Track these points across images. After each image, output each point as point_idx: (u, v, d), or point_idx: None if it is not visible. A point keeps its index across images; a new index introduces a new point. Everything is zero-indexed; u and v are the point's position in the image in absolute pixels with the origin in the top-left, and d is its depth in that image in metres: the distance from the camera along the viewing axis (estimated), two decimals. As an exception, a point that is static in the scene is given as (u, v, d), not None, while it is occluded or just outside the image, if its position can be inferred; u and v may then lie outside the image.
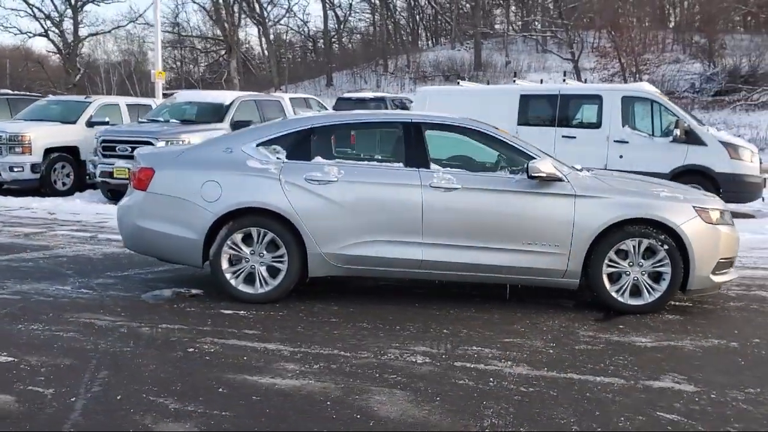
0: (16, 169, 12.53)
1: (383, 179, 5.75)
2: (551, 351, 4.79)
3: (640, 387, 4.17)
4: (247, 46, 50.89)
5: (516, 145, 5.93)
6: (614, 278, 5.70)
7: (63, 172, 13.09)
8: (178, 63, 51.80)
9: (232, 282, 5.81)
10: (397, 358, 4.58)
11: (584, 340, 5.06)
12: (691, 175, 10.97)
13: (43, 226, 9.76)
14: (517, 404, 3.88)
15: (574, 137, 11.87)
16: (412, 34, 50.14)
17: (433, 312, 5.68)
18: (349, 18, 50.72)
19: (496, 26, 46.04)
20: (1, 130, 12.72)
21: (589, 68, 34.70)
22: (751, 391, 4.13)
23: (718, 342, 5.08)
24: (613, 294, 5.69)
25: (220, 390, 4.01)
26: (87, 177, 13.09)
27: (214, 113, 12.57)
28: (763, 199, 11.83)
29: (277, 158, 5.87)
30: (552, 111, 12.17)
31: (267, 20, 45.28)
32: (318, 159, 5.86)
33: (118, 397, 3.88)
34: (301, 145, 5.94)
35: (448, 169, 5.81)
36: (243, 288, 5.81)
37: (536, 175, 5.58)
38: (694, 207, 5.70)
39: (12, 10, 68.60)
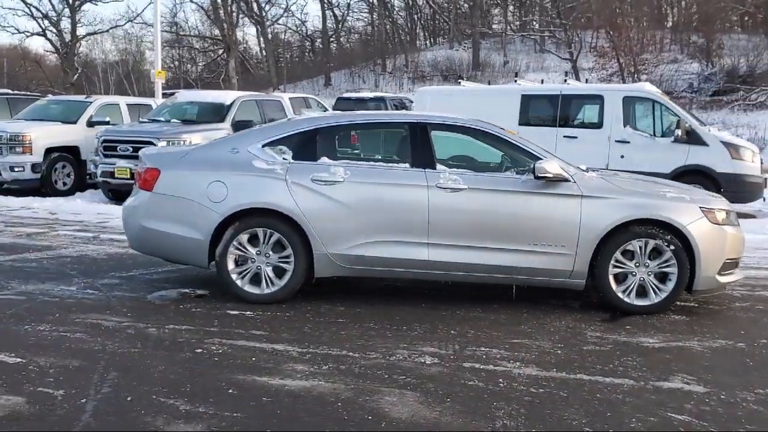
0: (16, 169, 12.51)
1: (390, 180, 5.75)
2: (559, 352, 4.80)
3: (650, 388, 4.17)
4: (244, 45, 50.88)
5: (522, 146, 5.93)
6: (620, 279, 5.70)
7: (63, 171, 13.07)
8: (176, 63, 51.74)
9: (238, 282, 5.80)
10: (406, 359, 4.58)
11: (592, 340, 5.06)
12: (692, 176, 10.98)
13: (45, 226, 9.74)
14: (528, 405, 3.88)
15: (576, 137, 11.88)
16: (410, 34, 50.12)
17: (440, 312, 5.68)
18: (347, 18, 50.72)
19: (494, 26, 46.04)
20: (2, 129, 12.70)
21: (587, 68, 34.74)
22: (761, 392, 4.14)
23: (726, 343, 5.09)
24: (620, 294, 5.69)
25: (231, 391, 4.01)
26: (87, 177, 13.08)
27: (215, 113, 12.55)
28: (764, 199, 11.86)
29: (283, 159, 5.86)
30: (553, 111, 12.18)
31: (265, 20, 45.25)
32: (324, 159, 5.86)
33: (129, 399, 3.87)
34: (307, 145, 5.93)
35: (455, 169, 5.81)
36: (249, 288, 5.80)
37: (543, 175, 5.58)
38: (700, 207, 5.71)
39: (9, 9, 68.55)
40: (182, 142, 11.19)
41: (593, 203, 5.64)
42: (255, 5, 44.39)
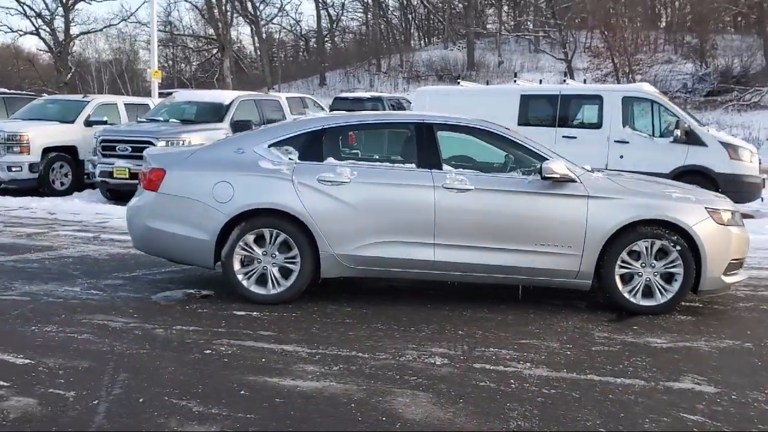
0: (14, 169, 12.44)
1: (396, 180, 5.75)
2: (568, 352, 4.80)
3: (661, 388, 4.18)
4: (238, 45, 50.77)
5: (528, 146, 5.93)
6: (626, 279, 5.71)
7: (61, 171, 13.00)
8: (170, 62, 51.59)
9: (244, 283, 5.79)
10: (416, 360, 4.58)
11: (600, 341, 5.07)
12: (691, 176, 10.99)
13: (45, 227, 9.69)
14: (541, 406, 3.88)
15: (575, 137, 11.90)
16: (405, 34, 50.14)
17: (447, 313, 5.67)
18: (342, 17, 50.70)
19: (489, 26, 46.10)
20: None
21: (582, 68, 34.83)
22: (772, 392, 4.16)
23: (733, 343, 5.10)
24: (626, 295, 5.70)
25: (242, 392, 4.00)
26: (85, 177, 13.03)
27: (214, 113, 12.52)
28: (762, 200, 11.90)
29: (290, 159, 5.85)
30: (552, 111, 12.19)
31: (259, 19, 45.18)
32: (331, 160, 5.85)
33: (141, 400, 3.86)
34: (313, 145, 5.92)
35: (461, 170, 5.81)
36: (255, 289, 5.79)
37: (549, 176, 5.59)
38: (706, 208, 5.72)
39: (2, 8, 68.20)
40: (181, 142, 11.16)
41: (600, 204, 5.65)
42: (249, 4, 44.34)
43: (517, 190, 5.70)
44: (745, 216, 11.61)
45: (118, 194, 12.20)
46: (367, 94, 20.69)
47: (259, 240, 5.78)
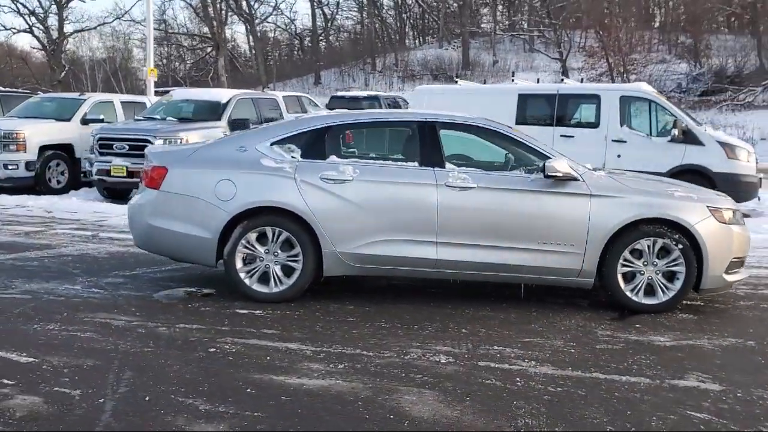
0: (10, 167, 12.38)
1: (398, 178, 5.74)
2: (572, 350, 4.81)
3: (666, 386, 4.19)
4: (233, 44, 50.68)
5: (531, 145, 5.94)
6: (629, 278, 5.72)
7: (58, 170, 12.94)
8: (164, 60, 51.45)
9: (247, 281, 5.77)
10: (420, 358, 4.58)
11: (603, 339, 5.08)
12: (688, 175, 10.99)
13: (42, 225, 9.65)
14: (547, 404, 3.88)
15: (573, 136, 11.91)
16: (400, 33, 50.13)
17: (449, 311, 5.67)
18: (336, 16, 50.66)
19: (483, 25, 46.15)
20: (-5, 127, 12.57)
21: (576, 68, 34.92)
22: (776, 390, 4.17)
23: (735, 341, 5.12)
24: (628, 293, 5.71)
25: (249, 390, 3.99)
26: (82, 175, 12.98)
27: (212, 111, 12.48)
28: (759, 199, 11.93)
29: (292, 157, 5.84)
30: (550, 110, 12.20)
31: (254, 18, 45.10)
32: (333, 158, 5.84)
33: (147, 398, 3.84)
34: (315, 144, 5.91)
35: (464, 168, 5.81)
36: (257, 287, 5.78)
37: (553, 174, 5.59)
38: (708, 207, 5.74)
39: (-4, 6, 67.67)
40: (179, 140, 11.12)
41: (602, 202, 5.65)
42: (244, 3, 44.25)
43: (520, 189, 5.70)
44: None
45: (116, 192, 12.17)
46: (364, 93, 20.68)
47: (262, 238, 5.76)
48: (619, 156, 11.57)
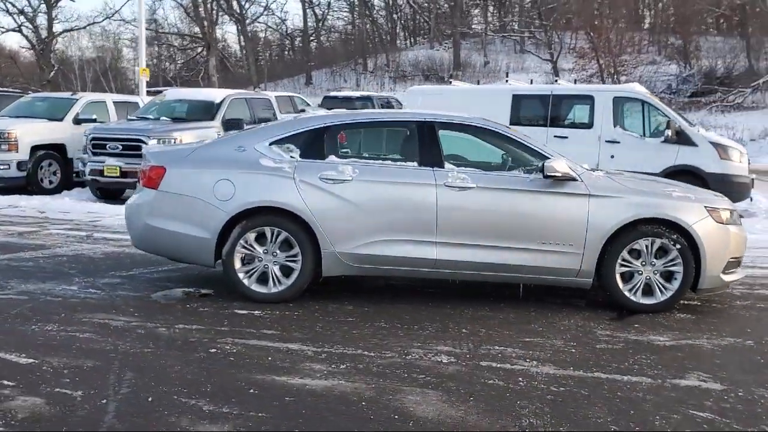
0: (1, 167, 12.28)
1: (398, 178, 5.74)
2: (573, 350, 4.81)
3: (668, 386, 4.21)
4: (223, 44, 50.54)
5: (530, 145, 5.95)
6: (627, 277, 5.74)
7: (50, 170, 12.84)
8: (154, 60, 51.22)
9: (245, 281, 5.75)
10: (422, 358, 4.57)
11: (603, 339, 5.09)
12: (681, 176, 11.02)
13: (36, 225, 9.59)
14: (551, 404, 3.89)
15: (566, 137, 11.93)
16: (391, 34, 50.14)
17: (448, 311, 5.67)
18: (328, 16, 50.61)
19: (474, 26, 46.23)
20: (-13, 126, 12.48)
21: (567, 69, 35.01)
22: (777, 389, 4.19)
23: (734, 340, 5.15)
24: (626, 293, 5.73)
25: (252, 391, 3.97)
26: (74, 175, 12.90)
27: (205, 111, 12.44)
28: (751, 199, 12.00)
29: (291, 157, 5.82)
30: (544, 111, 12.23)
31: (245, 18, 45.00)
32: (332, 158, 5.83)
33: (150, 399, 3.82)
34: (314, 143, 5.90)
35: (463, 168, 5.82)
36: (256, 288, 5.76)
37: (552, 174, 5.60)
38: (705, 207, 5.76)
39: (-17, 5, 67.19)
40: (173, 141, 11.08)
41: (601, 202, 5.67)
42: (235, 3, 44.15)
43: (519, 189, 5.71)
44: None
45: (109, 193, 12.12)
46: (357, 93, 20.67)
47: (260, 238, 5.75)
48: (612, 156, 11.60)
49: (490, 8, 47.49)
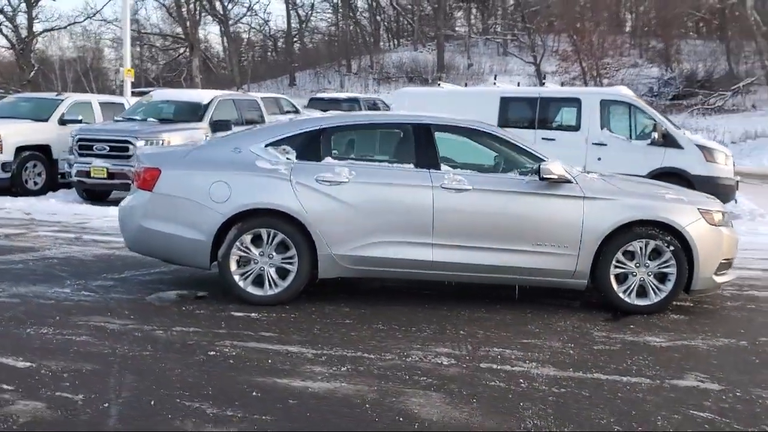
0: (-14, 168, 12.14)
1: (394, 180, 5.75)
2: (571, 351, 4.85)
3: (667, 386, 4.25)
4: (206, 44, 50.28)
5: (525, 147, 5.98)
6: (621, 279, 5.79)
7: (35, 171, 12.68)
8: (136, 61, 50.81)
9: (241, 284, 5.73)
10: (422, 360, 4.58)
11: (600, 340, 5.13)
12: (667, 178, 11.10)
13: (22, 227, 9.48)
14: (554, 405, 3.91)
15: (554, 139, 12.00)
16: (374, 35, 50.16)
17: (445, 313, 5.69)
18: (311, 18, 50.52)
19: (457, 29, 46.38)
20: (-30, 127, 12.31)
21: (550, 71, 35.17)
22: (774, 389, 4.25)
23: (728, 341, 5.20)
24: (620, 294, 5.77)
25: (254, 394, 3.96)
26: (60, 176, 12.76)
27: (193, 112, 12.37)
28: (735, 201, 12.13)
29: (287, 159, 5.81)
30: (532, 113, 12.30)
31: (228, 18, 44.80)
32: (328, 160, 5.83)
33: (152, 402, 3.80)
34: (311, 145, 5.89)
35: (459, 170, 5.84)
36: (252, 290, 5.73)
37: (548, 176, 5.64)
38: (698, 209, 5.82)
39: (-39, 4, 66.34)
40: (161, 142, 11.02)
41: (595, 204, 5.71)
42: (218, 3, 43.94)
43: (515, 191, 5.74)
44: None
45: (95, 194, 12.01)
46: (344, 95, 20.67)
47: (256, 240, 5.73)
48: (599, 159, 11.67)
49: (473, 11, 47.64)
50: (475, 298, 6.18)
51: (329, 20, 51.15)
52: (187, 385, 4.07)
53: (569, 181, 5.74)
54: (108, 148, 11.25)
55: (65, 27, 43.78)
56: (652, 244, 5.72)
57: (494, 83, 14.56)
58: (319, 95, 21.76)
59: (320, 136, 5.94)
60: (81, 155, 11.48)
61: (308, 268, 5.72)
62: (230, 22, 45.35)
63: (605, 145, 11.74)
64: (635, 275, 5.77)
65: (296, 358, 4.56)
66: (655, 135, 11.38)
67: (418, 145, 5.88)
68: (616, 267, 5.75)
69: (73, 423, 3.54)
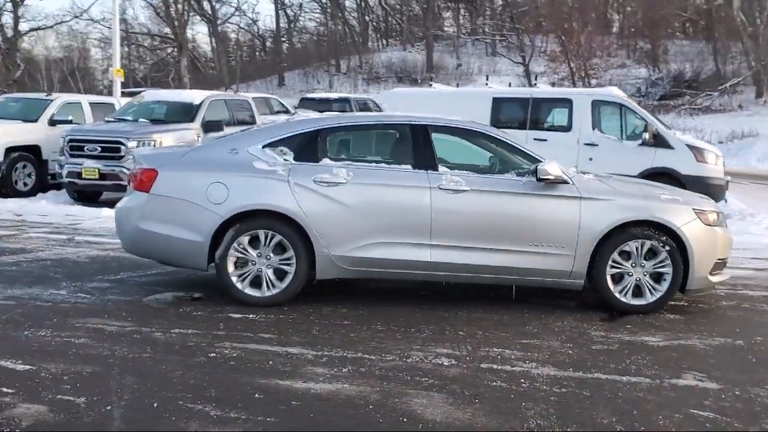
0: (-25, 170, 12.04)
1: (392, 181, 5.76)
2: (570, 351, 4.87)
3: (667, 386, 4.28)
4: (193, 44, 50.09)
5: (522, 148, 6.01)
6: (617, 279, 5.82)
7: (24, 172, 12.59)
8: (124, 61, 50.54)
9: (239, 285, 5.72)
10: (423, 361, 4.60)
11: (598, 339, 5.16)
12: (658, 178, 11.16)
13: (13, 228, 9.41)
14: (556, 405, 3.93)
15: (545, 140, 12.03)
16: (363, 35, 50.16)
17: (443, 313, 5.70)
18: (300, 17, 50.47)
19: (446, 29, 46.46)
20: (-41, 128, 12.21)
21: (538, 72, 35.33)
22: (772, 388, 4.29)
23: (725, 340, 5.25)
24: (617, 294, 5.81)
25: (257, 395, 3.96)
26: (50, 177, 12.68)
27: (185, 113, 12.31)
28: (725, 201, 12.22)
29: (285, 160, 5.81)
30: (523, 114, 12.35)
31: (216, 18, 44.68)
32: (326, 161, 5.83)
33: (155, 405, 3.79)
34: (308, 146, 5.89)
35: (457, 171, 5.85)
36: (249, 291, 5.73)
37: (545, 177, 5.66)
38: (694, 209, 5.87)
39: (-54, 3, 65.69)
40: (153, 143, 10.98)
41: (592, 205, 5.74)
42: (206, 3, 43.81)
43: (512, 192, 5.76)
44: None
45: (86, 195, 11.94)
46: (335, 95, 20.65)
47: (254, 241, 5.72)
48: (591, 159, 11.72)
49: (462, 11, 47.74)
50: (472, 298, 6.20)
51: (318, 20, 51.21)
52: (188, 386, 4.06)
53: (566, 182, 5.77)
54: (99, 149, 11.19)
55: (52, 26, 43.51)
56: (648, 244, 5.76)
57: (486, 84, 14.60)
58: (310, 95, 21.73)
59: (318, 137, 5.94)
60: (72, 156, 11.41)
61: (306, 269, 5.72)
62: (218, 22, 45.24)
63: (597, 145, 11.80)
64: (631, 275, 5.80)
65: (297, 359, 4.56)
66: (646, 135, 11.45)
67: (416, 146, 5.89)
68: (612, 267, 5.78)
69: (77, 426, 3.52)
